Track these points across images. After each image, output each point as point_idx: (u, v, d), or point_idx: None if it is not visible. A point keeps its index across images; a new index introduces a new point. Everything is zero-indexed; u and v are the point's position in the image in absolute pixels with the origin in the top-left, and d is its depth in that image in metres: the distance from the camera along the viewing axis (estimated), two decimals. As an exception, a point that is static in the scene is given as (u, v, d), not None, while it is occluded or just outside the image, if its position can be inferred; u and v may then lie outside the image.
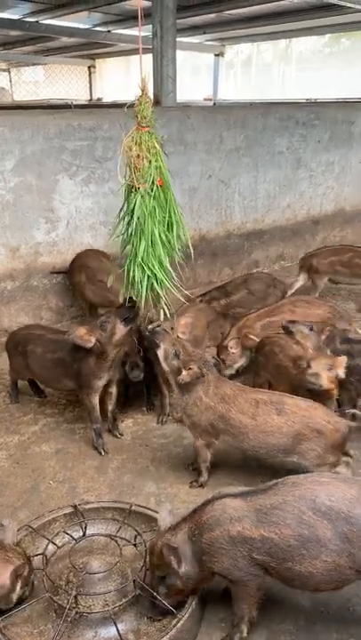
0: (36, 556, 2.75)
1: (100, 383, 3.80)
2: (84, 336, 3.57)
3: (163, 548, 2.41)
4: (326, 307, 4.64)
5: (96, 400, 3.84)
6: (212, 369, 3.33)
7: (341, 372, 3.47)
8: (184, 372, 3.21)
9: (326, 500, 2.27)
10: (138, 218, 3.42)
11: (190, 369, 3.21)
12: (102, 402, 3.95)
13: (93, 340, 3.57)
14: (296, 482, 2.38)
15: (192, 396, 3.29)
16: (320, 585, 2.32)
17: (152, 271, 3.46)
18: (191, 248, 3.63)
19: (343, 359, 3.50)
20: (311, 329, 3.91)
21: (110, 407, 4.01)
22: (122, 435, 4.03)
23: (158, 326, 3.43)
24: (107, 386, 3.89)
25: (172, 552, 2.40)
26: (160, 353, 3.34)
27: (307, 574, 2.27)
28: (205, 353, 3.58)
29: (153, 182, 3.40)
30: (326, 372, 3.46)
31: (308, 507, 2.27)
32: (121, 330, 3.61)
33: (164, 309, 3.59)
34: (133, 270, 3.47)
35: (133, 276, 3.48)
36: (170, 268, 3.54)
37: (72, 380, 3.87)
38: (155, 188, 3.42)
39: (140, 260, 3.45)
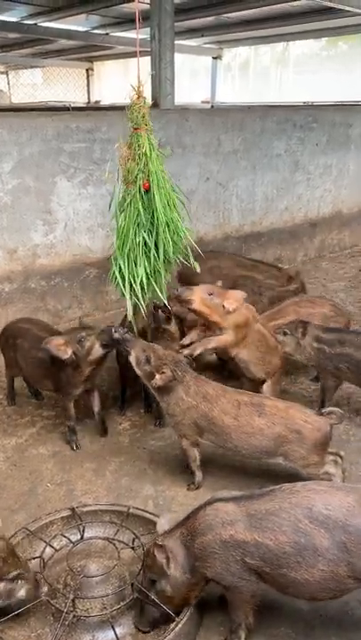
0: (34, 559, 2.73)
1: (77, 392, 3.80)
2: (60, 346, 3.50)
3: (153, 548, 2.41)
4: (328, 305, 4.68)
5: (71, 404, 3.86)
6: (187, 369, 3.34)
7: (228, 304, 3.52)
8: (157, 376, 3.21)
9: (323, 509, 2.25)
10: (122, 219, 3.47)
11: (163, 373, 3.21)
12: (88, 405, 4.02)
13: (70, 352, 3.50)
14: (293, 489, 2.37)
15: (173, 397, 3.30)
16: (317, 593, 2.29)
17: (131, 274, 3.49)
18: (190, 251, 3.64)
19: (238, 294, 3.58)
20: (285, 333, 3.98)
21: (96, 409, 3.99)
22: (106, 434, 4.03)
23: (126, 332, 3.45)
24: (89, 390, 3.90)
25: (161, 551, 2.38)
26: (132, 359, 3.34)
27: (302, 581, 2.24)
28: (178, 353, 3.56)
29: (138, 185, 3.41)
30: (202, 295, 3.51)
31: (305, 515, 2.25)
32: (97, 351, 3.57)
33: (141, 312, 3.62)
34: (115, 270, 3.54)
35: (117, 275, 3.54)
36: (159, 272, 3.54)
37: (51, 381, 3.87)
38: (137, 190, 3.42)
39: (120, 261, 3.52)
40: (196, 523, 2.40)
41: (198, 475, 3.48)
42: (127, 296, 3.54)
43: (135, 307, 3.60)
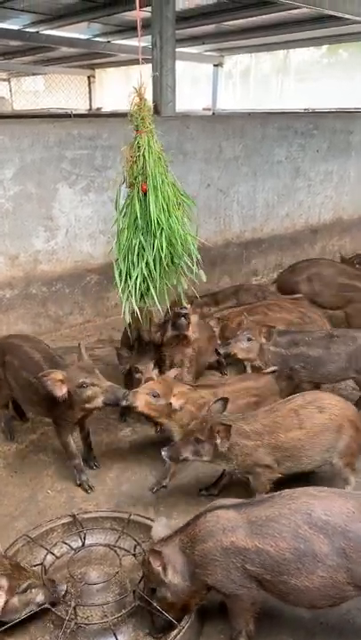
0: (35, 566, 2.73)
1: (72, 419, 3.45)
2: (56, 382, 3.18)
3: (149, 555, 2.39)
4: (297, 312, 4.73)
5: (70, 438, 3.51)
6: (226, 416, 3.07)
7: (175, 403, 3.29)
8: (219, 442, 2.91)
9: (322, 515, 2.24)
10: (122, 221, 3.50)
11: (219, 432, 2.90)
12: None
13: (64, 391, 3.19)
14: (292, 495, 2.36)
15: (237, 452, 3.02)
16: (317, 601, 2.28)
17: (128, 276, 3.48)
18: (196, 256, 3.62)
19: (182, 389, 3.39)
20: (249, 339, 3.97)
21: (82, 434, 3.70)
22: (98, 466, 3.74)
23: (168, 449, 3.06)
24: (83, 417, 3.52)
25: (157, 559, 2.37)
26: (192, 458, 3.01)
27: (303, 588, 2.24)
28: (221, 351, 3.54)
29: (136, 187, 3.42)
30: (147, 397, 3.28)
31: (304, 520, 2.24)
32: (97, 404, 3.25)
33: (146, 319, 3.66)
34: (116, 273, 3.55)
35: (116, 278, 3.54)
36: (155, 277, 3.52)
37: (44, 409, 3.55)
38: (135, 192, 3.44)
39: (120, 264, 3.53)
40: (197, 529, 2.39)
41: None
42: (123, 298, 3.52)
43: (133, 313, 3.55)
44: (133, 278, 3.48)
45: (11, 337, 4.02)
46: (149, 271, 3.48)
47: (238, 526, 2.32)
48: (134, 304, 3.50)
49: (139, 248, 3.47)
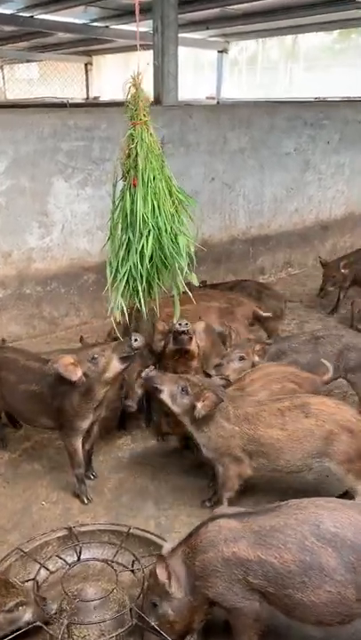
0: (27, 581, 2.73)
1: (85, 425, 3.45)
2: (69, 366, 3.22)
3: (156, 564, 2.39)
4: (225, 298, 4.83)
5: (79, 443, 3.50)
6: (224, 391, 3.23)
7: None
8: (199, 405, 3.05)
9: (331, 527, 2.24)
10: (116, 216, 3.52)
11: (205, 398, 3.06)
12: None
13: (80, 373, 3.23)
14: (300, 505, 2.36)
15: (212, 428, 3.16)
16: (324, 617, 2.27)
17: (116, 268, 3.52)
18: (190, 258, 3.60)
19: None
20: (241, 358, 3.97)
21: (87, 446, 3.67)
22: (95, 476, 3.76)
23: (151, 370, 3.25)
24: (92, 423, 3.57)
25: (164, 569, 2.37)
26: (165, 397, 3.15)
27: (308, 603, 2.23)
28: (212, 373, 3.53)
29: (128, 182, 3.44)
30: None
31: (312, 532, 2.24)
32: (116, 367, 3.28)
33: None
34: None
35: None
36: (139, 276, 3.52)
37: (51, 418, 3.54)
38: (127, 188, 3.46)
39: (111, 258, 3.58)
40: (198, 540, 2.40)
41: (225, 505, 3.31)
42: (111, 296, 3.56)
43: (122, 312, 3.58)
44: (120, 275, 3.51)
45: (2, 350, 3.99)
46: (135, 270, 3.50)
47: (241, 536, 2.32)
48: (122, 302, 3.55)
49: (128, 245, 3.50)
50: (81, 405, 3.38)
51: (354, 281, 6.26)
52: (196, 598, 2.40)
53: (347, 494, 3.28)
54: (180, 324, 3.65)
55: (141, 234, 3.43)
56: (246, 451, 3.19)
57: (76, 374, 3.23)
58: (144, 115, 3.37)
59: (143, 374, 3.25)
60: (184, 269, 3.56)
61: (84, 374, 3.25)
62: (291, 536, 2.25)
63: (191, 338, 3.80)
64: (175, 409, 3.17)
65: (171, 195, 3.50)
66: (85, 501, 3.53)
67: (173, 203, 3.52)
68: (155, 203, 3.44)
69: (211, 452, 3.24)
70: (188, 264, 3.57)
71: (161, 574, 2.36)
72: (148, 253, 3.44)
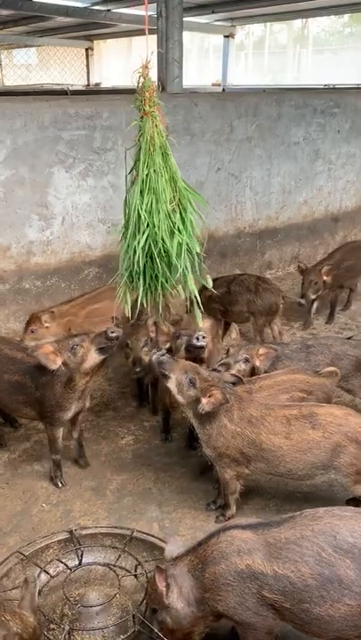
0: (14, 589, 2.73)
1: (67, 416, 3.59)
2: (49, 355, 3.37)
3: (155, 572, 2.40)
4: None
5: (60, 432, 3.67)
6: (232, 390, 3.24)
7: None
8: (204, 401, 3.07)
9: (349, 537, 2.23)
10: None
11: (212, 395, 3.08)
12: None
13: (59, 362, 3.38)
14: (315, 515, 2.35)
15: (215, 426, 3.19)
16: (343, 632, 2.25)
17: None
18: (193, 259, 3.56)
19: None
20: (247, 360, 3.94)
21: (75, 434, 3.86)
22: (87, 464, 3.89)
23: (162, 354, 3.28)
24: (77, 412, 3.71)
25: (162, 578, 2.37)
26: (172, 385, 3.18)
27: (327, 618, 2.21)
28: (223, 371, 3.53)
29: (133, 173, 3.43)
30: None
31: (329, 543, 2.23)
32: (93, 358, 3.42)
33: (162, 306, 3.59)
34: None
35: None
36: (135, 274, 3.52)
37: (34, 408, 3.66)
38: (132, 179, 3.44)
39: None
40: (209, 550, 2.38)
41: (233, 509, 3.40)
42: (120, 282, 3.57)
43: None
44: (123, 270, 3.54)
45: None
46: (133, 265, 3.49)
47: (255, 548, 2.31)
48: (128, 297, 3.60)
49: (128, 239, 3.52)
50: (63, 396, 3.51)
51: (338, 285, 6.14)
52: (201, 610, 2.39)
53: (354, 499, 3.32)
54: (197, 339, 3.60)
55: (138, 229, 3.43)
56: (245, 454, 3.21)
57: (56, 363, 3.38)
58: (149, 105, 3.35)
59: (154, 357, 3.29)
60: (179, 270, 3.46)
61: (64, 363, 3.40)
62: (307, 548, 2.24)
63: (204, 348, 3.78)
64: (180, 399, 3.21)
65: (174, 190, 3.43)
66: (59, 485, 3.70)
67: (173, 199, 3.43)
68: (151, 198, 3.40)
69: (210, 449, 3.26)
70: (193, 264, 3.51)
71: (159, 584, 2.36)
72: (139, 250, 3.41)
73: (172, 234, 3.42)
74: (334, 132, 7.62)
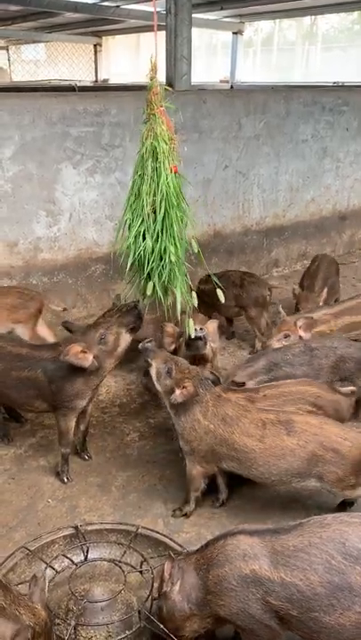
0: (27, 582, 2.75)
1: (83, 403, 3.67)
2: (79, 354, 3.40)
3: (166, 561, 2.41)
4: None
5: (73, 423, 3.70)
6: (210, 386, 3.29)
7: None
8: (177, 391, 3.16)
9: (358, 543, 2.20)
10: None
11: (184, 387, 3.17)
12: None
13: (91, 357, 3.42)
14: (323, 522, 2.32)
15: (189, 419, 3.24)
16: None
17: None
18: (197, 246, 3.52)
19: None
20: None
21: (82, 427, 3.90)
22: (90, 457, 3.95)
23: (149, 341, 3.42)
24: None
25: (171, 566, 2.38)
26: (152, 372, 3.33)
27: (338, 627, 2.17)
28: (204, 369, 3.54)
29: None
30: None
31: (338, 550, 2.20)
32: (126, 340, 3.55)
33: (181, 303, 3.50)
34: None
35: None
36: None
37: (47, 401, 3.68)
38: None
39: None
40: (214, 552, 2.37)
41: (192, 506, 3.44)
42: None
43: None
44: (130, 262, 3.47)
45: None
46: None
47: (262, 554, 2.28)
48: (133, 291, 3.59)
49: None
50: (86, 385, 3.57)
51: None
52: (201, 610, 2.37)
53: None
54: (195, 330, 3.66)
55: (129, 228, 3.40)
56: (216, 452, 3.23)
57: (88, 360, 3.41)
58: (150, 108, 3.28)
59: (140, 345, 3.41)
60: (155, 274, 3.38)
61: (95, 357, 3.44)
62: (316, 556, 2.21)
63: (206, 342, 3.85)
64: (157, 386, 3.32)
65: (156, 195, 3.30)
66: (65, 481, 3.71)
67: (154, 203, 3.32)
68: (137, 201, 3.35)
69: (183, 442, 3.32)
70: (172, 272, 3.39)
71: (165, 572, 2.38)
72: (124, 248, 3.40)
73: (154, 239, 3.35)
74: (343, 130, 7.60)
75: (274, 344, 4.30)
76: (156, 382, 3.32)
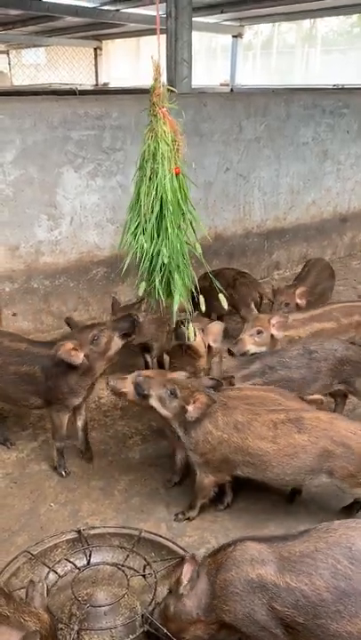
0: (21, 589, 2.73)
1: (78, 401, 3.72)
2: (71, 352, 3.46)
3: (187, 559, 2.40)
4: None
5: (66, 418, 3.76)
6: (215, 395, 3.20)
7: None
8: (190, 408, 3.08)
9: None
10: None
11: (196, 400, 3.09)
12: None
13: (81, 356, 3.49)
14: (329, 527, 2.32)
15: (200, 432, 3.17)
16: None
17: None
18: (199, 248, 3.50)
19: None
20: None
21: (80, 423, 3.91)
22: (92, 458, 3.95)
23: (138, 375, 3.23)
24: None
25: (193, 565, 2.37)
26: (154, 402, 3.16)
27: (345, 635, 2.14)
28: (200, 376, 3.53)
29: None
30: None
31: (344, 555, 2.18)
32: (117, 344, 3.61)
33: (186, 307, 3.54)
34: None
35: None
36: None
37: (42, 397, 3.74)
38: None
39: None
40: (223, 557, 2.37)
41: (196, 512, 3.43)
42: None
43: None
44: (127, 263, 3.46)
45: None
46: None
47: (269, 560, 2.28)
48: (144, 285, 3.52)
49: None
50: (79, 383, 3.64)
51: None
52: (207, 616, 2.36)
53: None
54: (182, 318, 3.65)
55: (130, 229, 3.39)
56: (230, 460, 3.20)
57: (79, 358, 3.49)
58: (152, 109, 3.28)
59: (131, 380, 3.21)
60: (158, 277, 3.37)
61: (86, 356, 3.52)
62: (322, 561, 2.19)
63: (194, 334, 3.76)
64: (165, 413, 3.17)
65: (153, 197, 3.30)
66: (63, 474, 3.79)
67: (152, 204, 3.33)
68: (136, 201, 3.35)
69: (197, 456, 3.25)
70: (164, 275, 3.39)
71: (186, 573, 2.36)
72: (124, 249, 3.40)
73: (149, 240, 3.36)
74: (343, 133, 7.61)
75: (245, 339, 4.19)
76: (161, 410, 3.16)
